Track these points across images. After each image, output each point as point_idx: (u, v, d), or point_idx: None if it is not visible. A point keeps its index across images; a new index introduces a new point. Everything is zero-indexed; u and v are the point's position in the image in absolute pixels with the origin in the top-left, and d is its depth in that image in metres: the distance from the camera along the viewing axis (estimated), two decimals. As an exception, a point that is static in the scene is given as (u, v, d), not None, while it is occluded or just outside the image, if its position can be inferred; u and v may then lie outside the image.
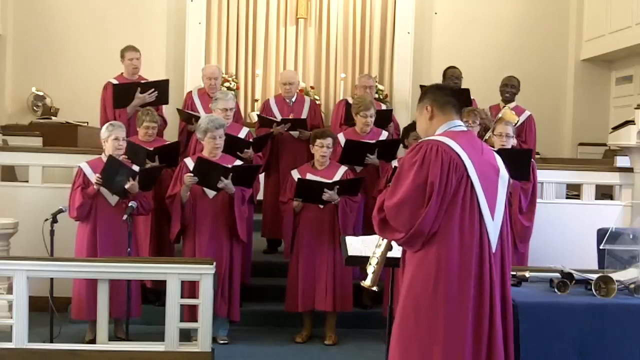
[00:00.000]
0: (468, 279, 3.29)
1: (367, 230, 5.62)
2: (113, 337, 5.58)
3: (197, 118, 6.46)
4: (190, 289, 5.41)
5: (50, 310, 5.42)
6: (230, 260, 5.78)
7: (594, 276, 3.90)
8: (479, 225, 3.33)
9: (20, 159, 6.94)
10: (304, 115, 7.02)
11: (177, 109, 7.10)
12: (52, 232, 5.36)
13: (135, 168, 5.71)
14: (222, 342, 5.81)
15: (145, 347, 5.22)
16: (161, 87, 6.72)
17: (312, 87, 9.76)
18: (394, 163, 5.88)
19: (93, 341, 5.41)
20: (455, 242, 3.30)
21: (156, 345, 5.18)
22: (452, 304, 3.28)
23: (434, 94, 3.54)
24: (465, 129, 3.53)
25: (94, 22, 9.56)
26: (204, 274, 5.12)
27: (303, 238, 5.87)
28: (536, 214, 5.97)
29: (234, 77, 9.74)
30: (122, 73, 6.93)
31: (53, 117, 8.85)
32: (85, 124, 8.49)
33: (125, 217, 5.39)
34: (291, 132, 6.83)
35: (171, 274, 5.13)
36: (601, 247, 4.52)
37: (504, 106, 7.26)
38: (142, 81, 6.80)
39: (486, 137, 6.87)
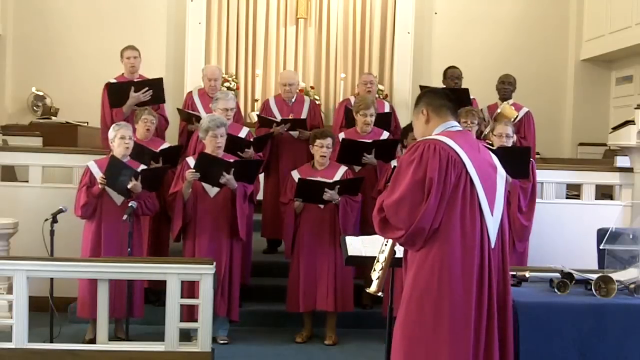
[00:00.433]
0: (471, 276, 3.30)
1: (364, 230, 5.63)
2: (113, 337, 5.59)
3: (197, 118, 6.48)
4: (190, 289, 5.41)
5: (50, 310, 5.42)
6: (230, 259, 5.78)
7: (594, 276, 3.90)
8: (480, 221, 3.34)
9: (20, 159, 6.95)
10: (303, 116, 7.02)
11: (177, 109, 7.10)
12: (52, 232, 5.36)
13: (143, 167, 5.74)
14: (222, 342, 5.81)
15: (145, 347, 5.22)
16: (155, 86, 6.69)
17: (312, 87, 9.77)
18: (393, 163, 5.88)
19: (93, 341, 5.42)
20: (457, 239, 3.30)
21: (156, 345, 5.18)
22: (456, 301, 3.28)
23: (428, 97, 3.57)
24: (461, 128, 3.56)
25: (94, 22, 9.58)
26: (204, 274, 5.12)
27: (304, 238, 5.87)
28: (536, 214, 5.97)
29: (234, 77, 9.75)
30: (122, 73, 6.93)
31: (53, 117, 8.86)
32: (85, 124, 8.50)
33: (125, 217, 5.40)
34: (291, 132, 6.83)
35: (171, 274, 5.12)
36: (601, 247, 4.52)
37: (502, 104, 7.27)
38: (135, 79, 6.79)
39: (485, 132, 6.88)
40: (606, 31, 9.28)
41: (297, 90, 7.33)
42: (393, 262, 3.62)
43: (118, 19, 9.52)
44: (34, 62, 9.51)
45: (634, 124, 6.69)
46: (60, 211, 5.52)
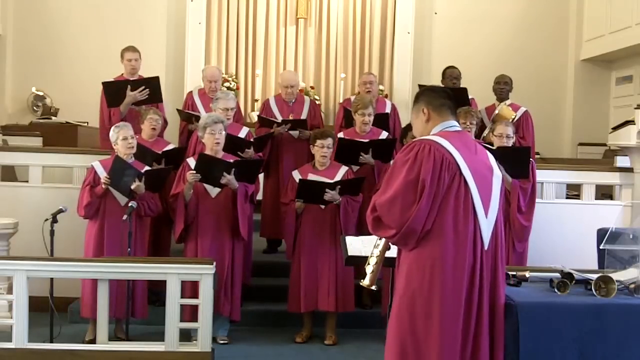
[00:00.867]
0: (461, 276, 3.32)
1: (361, 230, 5.63)
2: (113, 337, 5.59)
3: (197, 118, 6.47)
4: (193, 289, 5.41)
5: (50, 310, 5.42)
6: (232, 259, 5.78)
7: (594, 276, 3.89)
8: (473, 223, 3.35)
9: (20, 159, 6.95)
10: (303, 116, 7.02)
11: (177, 109, 7.10)
12: (52, 232, 5.36)
13: (146, 168, 5.75)
14: (222, 342, 5.81)
15: (145, 347, 5.23)
16: (152, 85, 6.66)
17: (312, 87, 9.76)
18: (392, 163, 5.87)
19: (93, 341, 5.42)
20: (450, 240, 3.32)
21: (156, 345, 5.19)
22: (447, 301, 3.31)
23: (428, 96, 3.56)
24: (459, 129, 3.56)
25: (94, 22, 9.57)
26: (204, 274, 5.12)
27: (305, 238, 5.87)
28: (536, 214, 5.97)
29: (234, 77, 9.75)
30: (122, 74, 6.92)
31: (53, 117, 8.86)
32: (85, 124, 8.50)
33: (125, 217, 5.40)
34: (291, 132, 6.83)
35: (171, 274, 5.13)
36: (601, 247, 4.51)
37: (499, 104, 7.27)
38: (132, 78, 6.78)
39: (485, 133, 6.88)
40: (606, 31, 9.28)
41: (298, 91, 7.34)
42: (393, 263, 3.63)
43: (118, 19, 9.52)
44: (34, 62, 9.51)
45: (634, 124, 6.68)
46: (60, 211, 5.52)
